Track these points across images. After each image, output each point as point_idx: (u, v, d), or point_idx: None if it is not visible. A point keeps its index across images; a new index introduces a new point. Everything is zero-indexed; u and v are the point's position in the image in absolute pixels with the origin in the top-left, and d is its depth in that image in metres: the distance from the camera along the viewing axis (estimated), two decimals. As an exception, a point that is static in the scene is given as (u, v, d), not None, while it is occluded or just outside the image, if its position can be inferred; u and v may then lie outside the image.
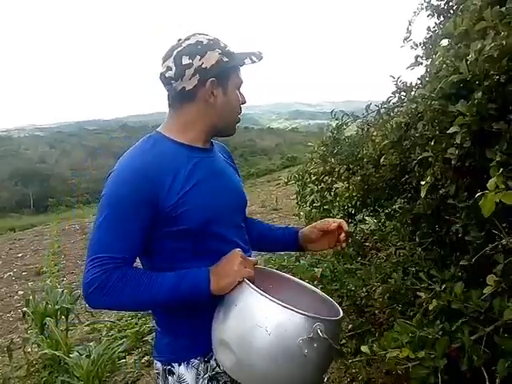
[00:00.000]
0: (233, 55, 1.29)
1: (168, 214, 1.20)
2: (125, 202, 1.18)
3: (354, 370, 2.29)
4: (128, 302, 1.17)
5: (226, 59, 1.27)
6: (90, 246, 1.18)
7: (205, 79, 1.25)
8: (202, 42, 1.26)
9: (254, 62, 1.30)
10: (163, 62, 1.28)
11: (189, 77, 1.24)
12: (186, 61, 1.23)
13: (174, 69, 1.24)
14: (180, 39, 1.28)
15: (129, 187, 1.19)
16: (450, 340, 1.11)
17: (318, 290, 1.40)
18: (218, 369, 1.30)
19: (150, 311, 1.43)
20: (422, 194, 1.42)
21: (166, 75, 1.26)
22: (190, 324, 1.30)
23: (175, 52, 1.25)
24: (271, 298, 1.11)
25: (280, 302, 1.10)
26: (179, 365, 1.29)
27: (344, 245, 1.50)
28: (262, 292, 1.12)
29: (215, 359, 1.27)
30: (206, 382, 1.29)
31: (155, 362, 1.37)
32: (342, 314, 1.21)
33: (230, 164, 1.48)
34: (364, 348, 1.11)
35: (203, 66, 1.24)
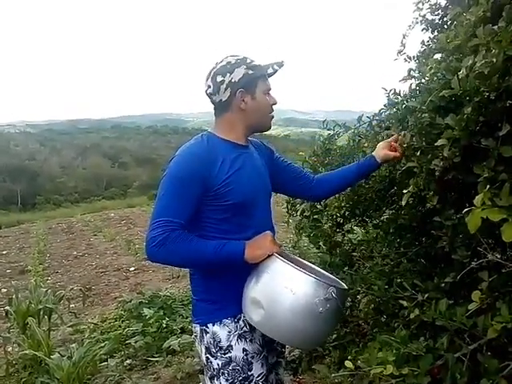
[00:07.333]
0: (257, 67, 1.59)
1: (217, 190, 1.51)
2: (182, 180, 1.49)
3: (336, 380, 2.28)
4: (180, 257, 1.46)
5: (251, 72, 1.57)
6: (154, 212, 1.48)
7: (235, 91, 1.56)
8: (231, 61, 1.58)
9: (275, 69, 1.60)
10: (205, 82, 1.61)
11: (223, 91, 1.57)
12: (219, 79, 1.56)
13: (212, 86, 1.58)
14: (217, 62, 1.60)
15: (186, 169, 1.51)
16: (434, 357, 1.11)
17: (326, 273, 1.68)
18: (245, 328, 1.58)
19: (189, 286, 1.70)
20: (403, 203, 1.48)
21: (207, 92, 1.61)
22: (222, 291, 1.58)
23: (212, 73, 1.59)
24: (297, 267, 1.41)
25: (303, 271, 1.41)
26: (213, 325, 1.57)
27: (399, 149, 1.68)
28: (289, 263, 1.42)
29: (243, 320, 1.57)
30: (236, 338, 1.57)
31: (193, 326, 1.66)
32: (346, 287, 1.55)
33: (264, 159, 1.76)
34: (348, 363, 1.12)
35: (232, 80, 1.55)
